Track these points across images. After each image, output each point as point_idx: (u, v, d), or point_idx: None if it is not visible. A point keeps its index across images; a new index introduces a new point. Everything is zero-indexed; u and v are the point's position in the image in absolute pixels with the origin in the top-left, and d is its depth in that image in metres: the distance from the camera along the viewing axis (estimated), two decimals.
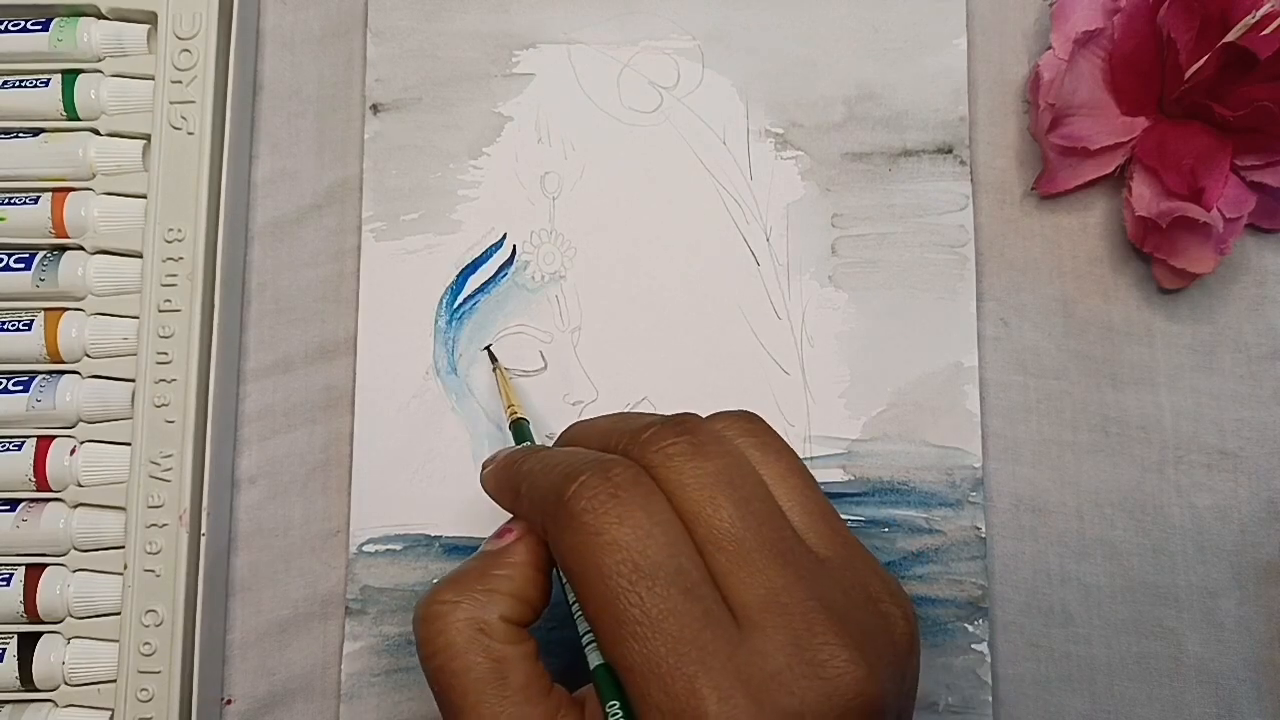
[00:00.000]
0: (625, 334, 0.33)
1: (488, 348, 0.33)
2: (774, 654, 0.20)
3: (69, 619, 0.30)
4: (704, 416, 0.24)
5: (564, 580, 0.23)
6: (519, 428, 0.30)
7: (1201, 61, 0.30)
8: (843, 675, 0.20)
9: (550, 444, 0.28)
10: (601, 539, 0.21)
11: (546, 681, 0.23)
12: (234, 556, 0.32)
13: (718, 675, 0.19)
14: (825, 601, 0.21)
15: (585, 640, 0.22)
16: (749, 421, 0.24)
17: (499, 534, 0.25)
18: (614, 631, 0.20)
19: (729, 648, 0.20)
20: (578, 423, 0.27)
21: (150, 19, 0.33)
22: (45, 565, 0.31)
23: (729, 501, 0.22)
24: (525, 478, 0.24)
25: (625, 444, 0.23)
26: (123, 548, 0.30)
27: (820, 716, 0.20)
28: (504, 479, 0.25)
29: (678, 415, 0.24)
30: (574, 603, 0.23)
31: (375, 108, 0.34)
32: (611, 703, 0.21)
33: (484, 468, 0.27)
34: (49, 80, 0.32)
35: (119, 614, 0.30)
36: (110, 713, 0.30)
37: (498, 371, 0.32)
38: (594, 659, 0.22)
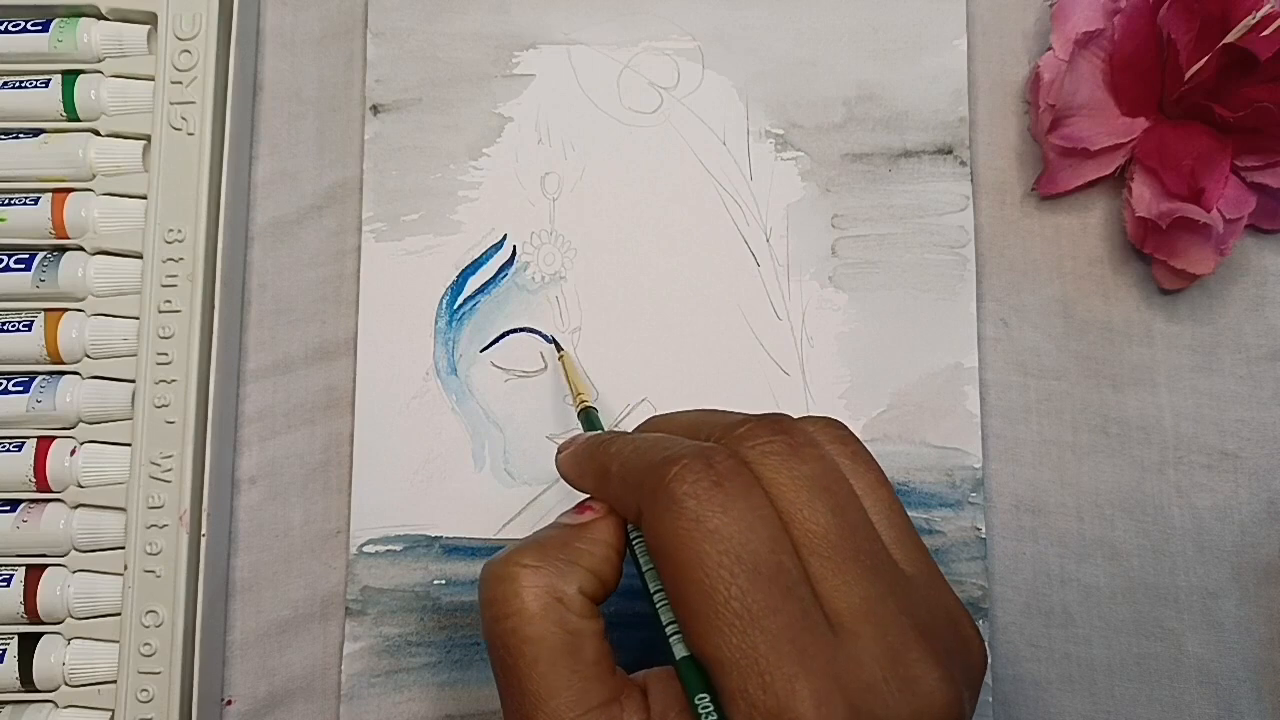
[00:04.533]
0: (625, 335, 0.33)
1: (554, 339, 0.32)
2: (869, 664, 0.20)
3: (69, 619, 0.30)
4: (796, 418, 0.24)
5: (644, 569, 0.23)
6: (589, 415, 0.29)
7: (1202, 62, 0.30)
8: (934, 694, 0.20)
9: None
10: (704, 526, 0.20)
11: (613, 661, 0.22)
12: (234, 557, 0.32)
13: (817, 678, 0.19)
14: (916, 618, 0.21)
15: (669, 630, 0.22)
16: (840, 429, 0.24)
17: (578, 510, 0.24)
18: (710, 622, 0.20)
19: (828, 652, 0.20)
20: (658, 415, 0.26)
21: (150, 19, 0.33)
22: (45, 566, 0.31)
23: (825, 507, 0.21)
24: (615, 458, 0.23)
25: (718, 436, 0.23)
26: (123, 548, 0.30)
27: None
28: (589, 460, 0.25)
29: (772, 414, 0.23)
30: (657, 591, 0.22)
31: (375, 108, 0.34)
32: (701, 695, 0.20)
33: (560, 451, 0.26)
34: (49, 81, 0.32)
35: (119, 614, 0.30)
36: (110, 713, 0.30)
37: (564, 359, 0.32)
38: (679, 650, 0.21)
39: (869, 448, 0.24)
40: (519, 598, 0.22)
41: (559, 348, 0.32)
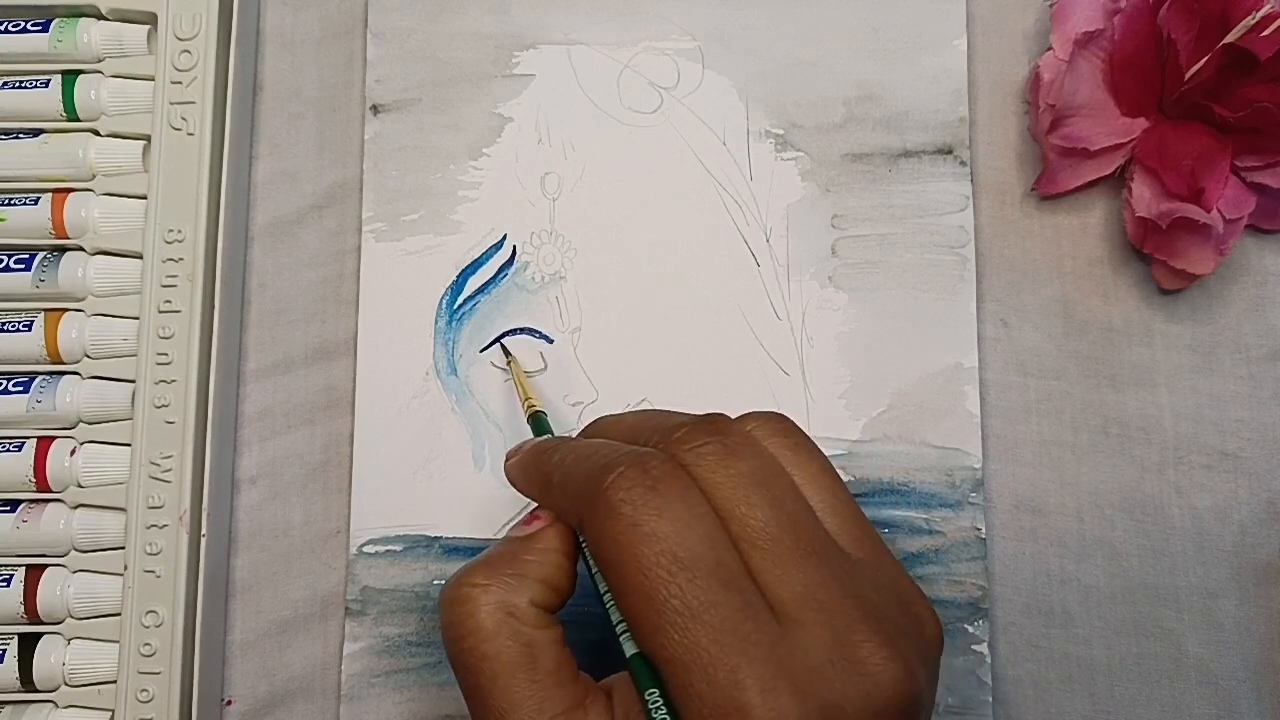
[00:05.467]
0: (625, 335, 0.33)
1: (501, 341, 0.32)
2: (814, 649, 0.20)
3: (69, 620, 0.31)
4: (734, 417, 0.24)
5: (593, 571, 0.23)
6: (538, 420, 0.29)
7: (1202, 62, 0.30)
8: (882, 672, 0.20)
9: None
10: (640, 530, 0.21)
11: (574, 667, 0.23)
12: (234, 557, 0.32)
13: (760, 667, 0.20)
14: (861, 600, 0.21)
15: (619, 630, 0.22)
16: (779, 422, 0.24)
17: (527, 521, 0.25)
18: (652, 621, 0.20)
19: (770, 640, 0.20)
20: (603, 417, 0.27)
21: (150, 19, 0.33)
22: (45, 566, 0.31)
23: (763, 501, 0.22)
24: (557, 468, 0.24)
25: (656, 441, 0.23)
26: (123, 548, 0.30)
27: (860, 712, 0.20)
28: (533, 469, 0.25)
29: (708, 415, 0.24)
30: (606, 592, 0.23)
31: (375, 108, 0.34)
32: (650, 690, 0.21)
33: (508, 458, 0.27)
34: (49, 81, 0.32)
35: (119, 615, 0.30)
36: (110, 713, 0.30)
37: (512, 364, 0.32)
38: (629, 648, 0.22)
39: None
40: (473, 617, 0.22)
41: (507, 352, 0.32)
